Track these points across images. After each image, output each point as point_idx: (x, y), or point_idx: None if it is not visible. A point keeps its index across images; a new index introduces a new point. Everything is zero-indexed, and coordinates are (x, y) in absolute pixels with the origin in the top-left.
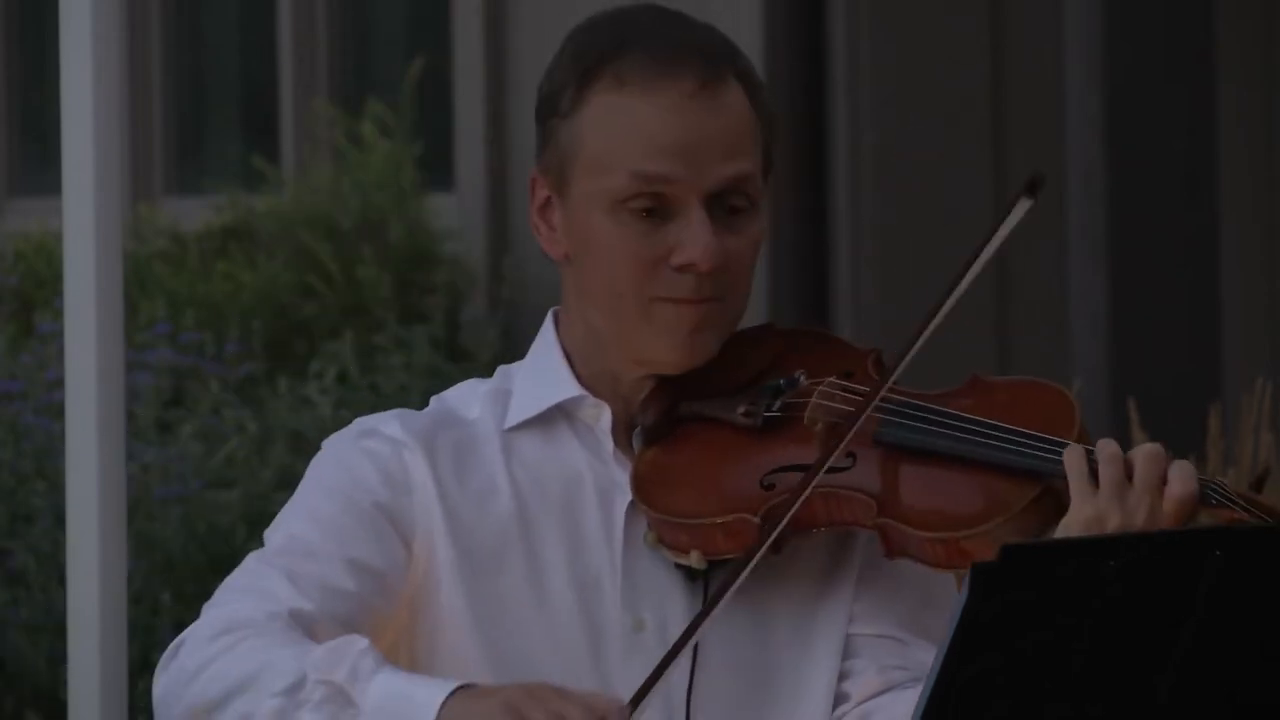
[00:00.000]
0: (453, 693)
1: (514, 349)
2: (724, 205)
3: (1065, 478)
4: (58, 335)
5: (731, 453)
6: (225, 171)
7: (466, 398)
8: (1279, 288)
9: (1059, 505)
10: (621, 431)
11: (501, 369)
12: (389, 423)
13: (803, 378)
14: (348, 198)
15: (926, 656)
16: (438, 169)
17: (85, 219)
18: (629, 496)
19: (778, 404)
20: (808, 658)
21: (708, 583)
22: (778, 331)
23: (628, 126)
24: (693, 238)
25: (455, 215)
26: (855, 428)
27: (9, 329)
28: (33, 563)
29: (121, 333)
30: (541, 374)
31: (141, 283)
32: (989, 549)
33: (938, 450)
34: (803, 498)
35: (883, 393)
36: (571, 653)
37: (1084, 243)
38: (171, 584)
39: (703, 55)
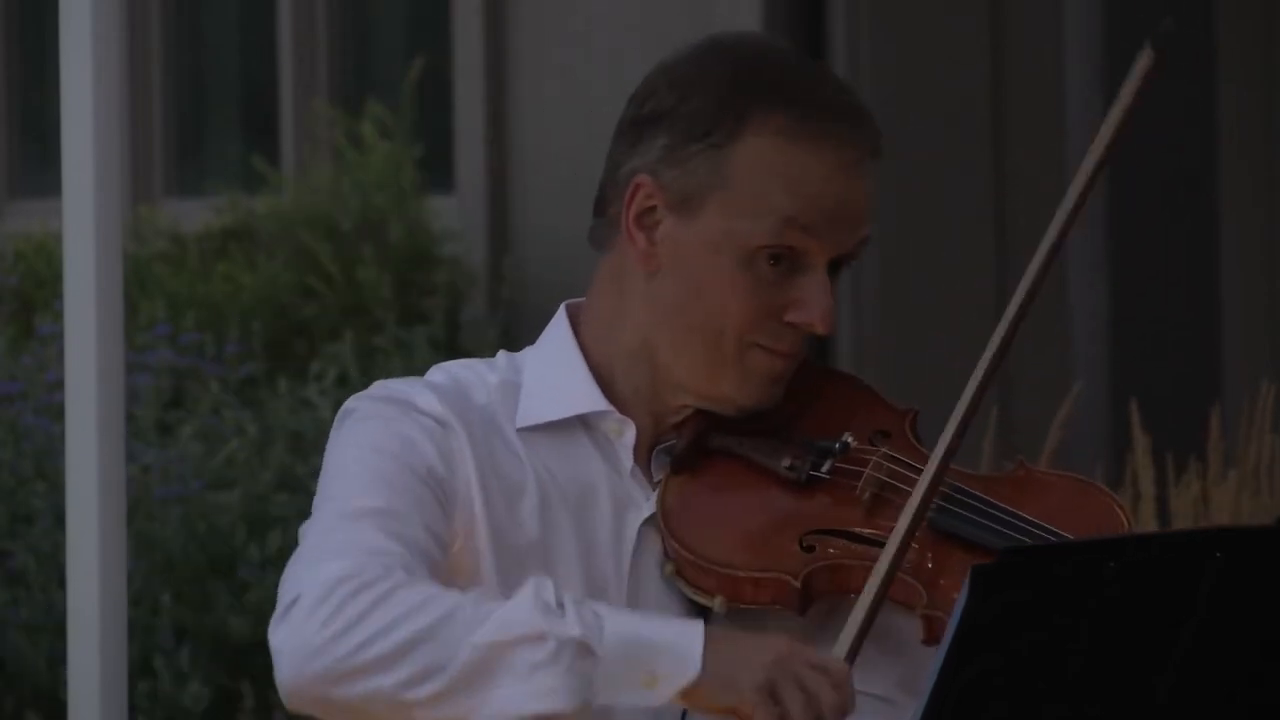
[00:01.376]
0: (705, 638)
1: (513, 349)
2: (837, 265)
3: None
4: (58, 336)
5: (768, 502)
6: (225, 172)
7: (474, 380)
8: (1279, 288)
9: None
10: (642, 449)
11: (506, 356)
12: (424, 394)
13: (853, 441)
14: (348, 198)
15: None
16: (438, 169)
17: (85, 220)
18: (642, 514)
19: (826, 465)
20: None
21: (705, 616)
22: (812, 370)
23: (789, 179)
24: (815, 300)
25: (455, 216)
26: (916, 517)
27: (9, 330)
28: (33, 563)
29: (121, 334)
30: (559, 376)
31: (141, 284)
32: None
33: (989, 546)
34: (873, 596)
35: (935, 471)
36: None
37: (1084, 243)
38: (171, 584)
39: (864, 124)
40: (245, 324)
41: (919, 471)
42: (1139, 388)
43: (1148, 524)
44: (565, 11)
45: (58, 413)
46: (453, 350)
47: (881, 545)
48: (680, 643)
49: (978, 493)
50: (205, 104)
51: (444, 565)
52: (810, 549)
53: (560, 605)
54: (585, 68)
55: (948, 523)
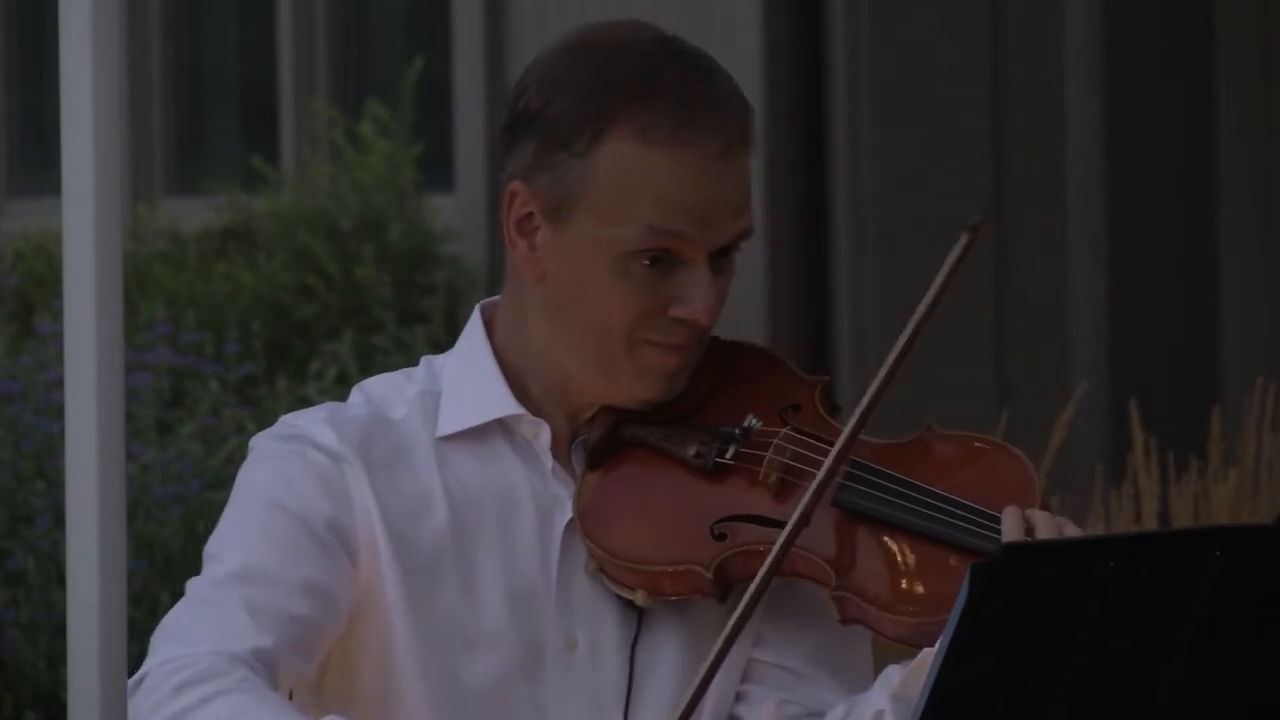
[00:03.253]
0: None
1: None
2: (723, 254)
3: None
4: (57, 336)
5: (679, 492)
6: (225, 172)
7: (392, 396)
8: (1278, 288)
9: None
10: (561, 446)
11: (427, 362)
12: (322, 429)
13: (756, 423)
14: (347, 198)
15: (823, 694)
16: (438, 169)
17: (85, 219)
18: (568, 514)
19: (731, 451)
20: (726, 674)
21: (641, 610)
22: (722, 348)
23: (647, 182)
24: (697, 295)
25: (455, 215)
26: (814, 499)
27: (9, 329)
28: (32, 563)
29: (121, 333)
30: (475, 382)
31: (141, 283)
32: None
33: (901, 524)
34: (757, 581)
35: (837, 453)
36: (507, 670)
37: (1084, 243)
38: (171, 584)
39: (725, 115)
40: (245, 323)
41: (823, 448)
42: (1139, 387)
43: (1148, 523)
44: (565, 11)
45: (57, 412)
46: None
47: (785, 525)
48: None
49: (883, 468)
50: (205, 104)
51: (323, 619)
52: (722, 537)
53: None
54: None
55: (853, 501)
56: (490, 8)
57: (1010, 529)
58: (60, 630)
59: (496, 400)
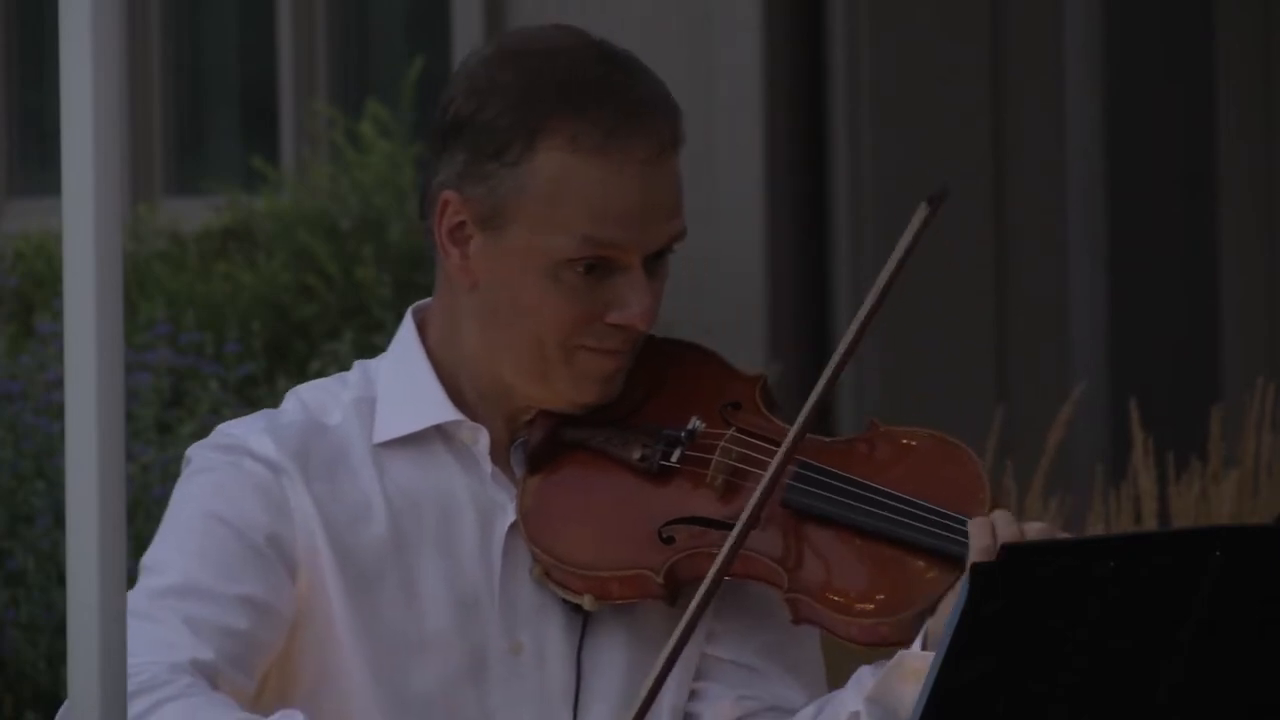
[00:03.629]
0: None
1: None
2: (657, 257)
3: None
4: (57, 336)
5: (624, 495)
6: (225, 172)
7: (327, 402)
8: (1278, 288)
9: None
10: (500, 450)
11: (361, 367)
12: (260, 439)
13: (700, 425)
14: (347, 198)
15: (780, 689)
16: None
17: (85, 219)
18: (509, 518)
19: (676, 454)
20: (675, 676)
21: (587, 613)
22: (657, 347)
23: (580, 191)
24: (633, 300)
25: None
26: (762, 500)
27: (9, 329)
28: (32, 563)
29: (121, 333)
30: (410, 388)
31: (141, 283)
32: (907, 634)
33: (852, 524)
34: (708, 583)
35: (784, 453)
36: (453, 675)
37: (1084, 243)
38: None
39: (655, 119)
40: (245, 323)
41: (769, 448)
42: (1139, 387)
43: (1148, 524)
44: (565, 11)
45: (57, 412)
46: None
47: (733, 527)
48: None
49: (831, 468)
50: (205, 104)
51: (263, 633)
52: (670, 540)
53: None
54: None
55: (803, 502)
56: (490, 8)
57: (978, 535)
58: (60, 630)
59: (433, 406)
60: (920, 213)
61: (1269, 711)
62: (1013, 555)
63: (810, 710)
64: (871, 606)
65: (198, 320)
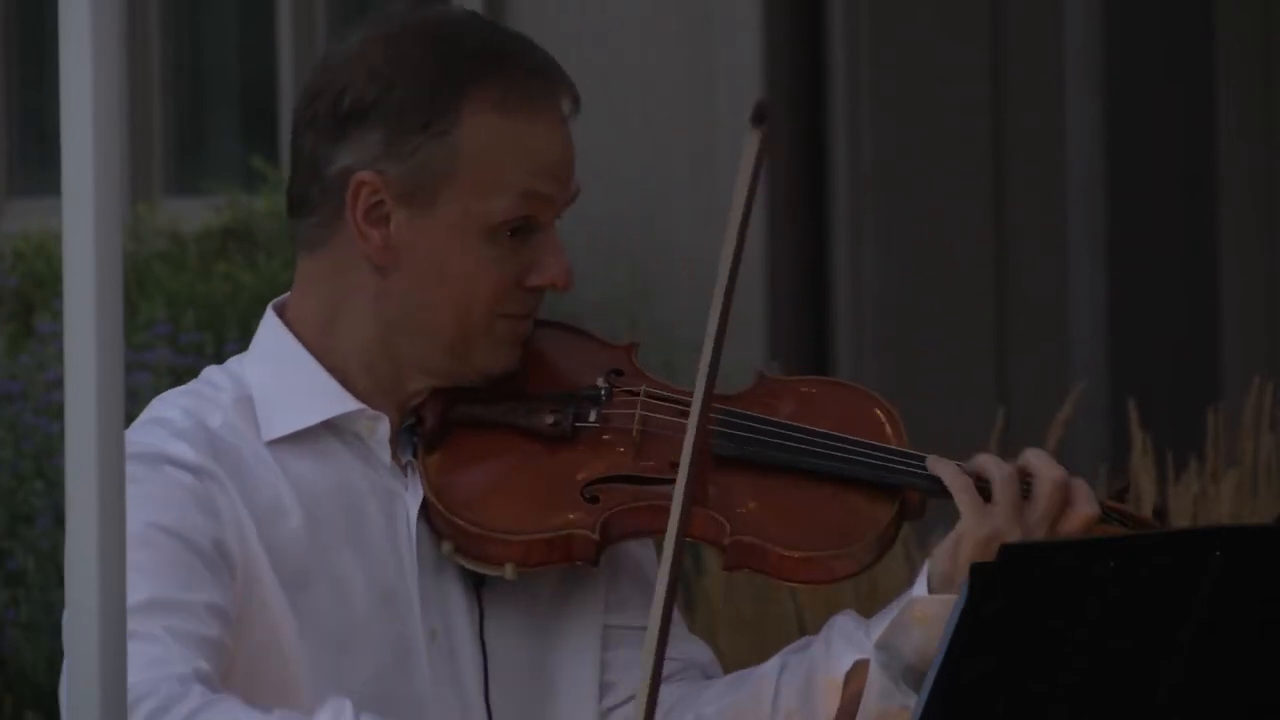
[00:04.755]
0: None
1: None
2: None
3: (921, 490)
4: (57, 335)
5: (539, 462)
6: (225, 172)
7: (200, 406)
8: (1278, 288)
9: (908, 514)
10: (392, 439)
11: (219, 371)
12: (175, 444)
13: (608, 386)
14: None
15: (691, 648)
16: None
17: (85, 219)
18: (413, 506)
19: (593, 414)
20: (569, 647)
21: (480, 591)
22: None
23: (514, 149)
24: (553, 260)
25: None
26: (698, 443)
27: (9, 329)
28: (32, 563)
29: (121, 333)
30: (293, 383)
31: (141, 283)
32: (854, 566)
33: (787, 464)
34: (674, 540)
35: (700, 403)
36: (383, 666)
37: (1084, 243)
38: None
39: (564, 79)
40: (245, 323)
41: (682, 403)
42: (1138, 387)
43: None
44: (564, 11)
45: (57, 412)
46: None
47: (662, 481)
48: None
49: (752, 412)
50: (205, 104)
51: (228, 639)
52: (595, 499)
53: None
54: (583, 67)
55: (732, 448)
56: (490, 8)
57: (954, 480)
58: (60, 630)
59: (327, 398)
60: (752, 139)
61: (1269, 711)
62: (1013, 555)
63: (773, 662)
64: (818, 540)
65: (198, 320)
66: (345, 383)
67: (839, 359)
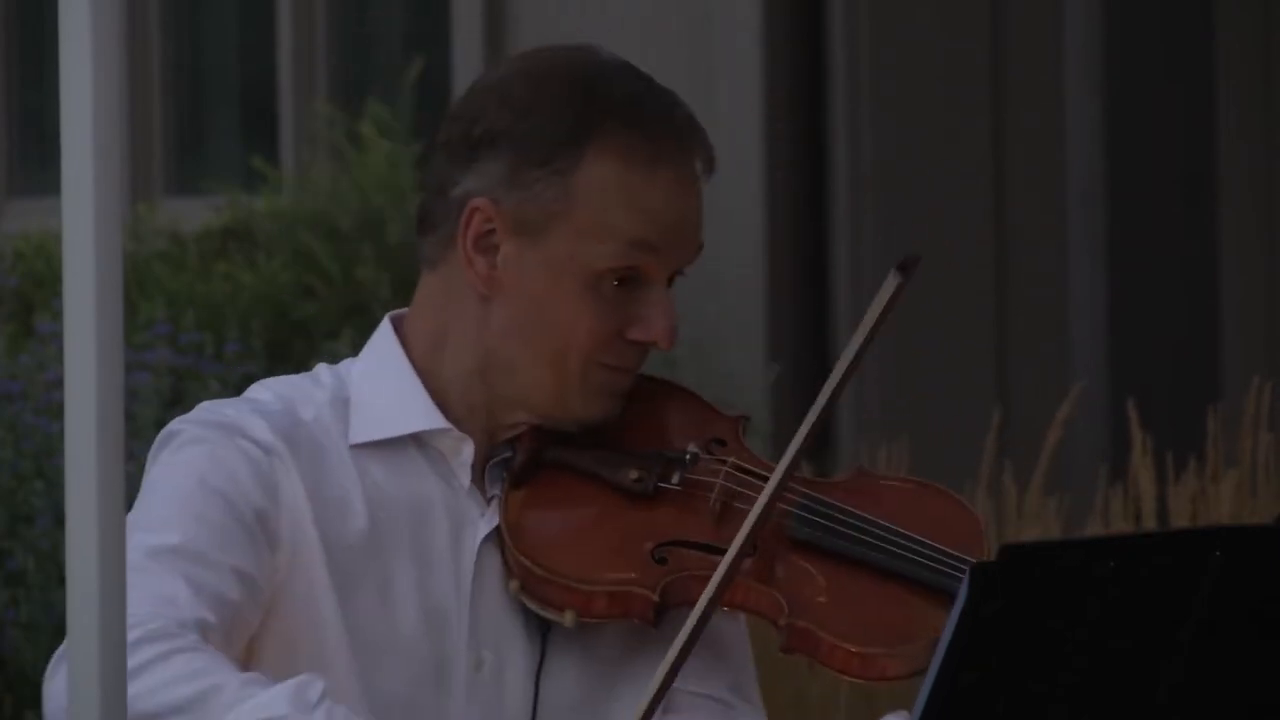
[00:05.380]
0: None
1: None
2: (671, 280)
3: None
4: (57, 335)
5: (616, 516)
6: (225, 172)
7: (299, 397)
8: (1278, 288)
9: None
10: (477, 465)
11: (329, 371)
12: (252, 420)
13: (699, 452)
14: (347, 198)
15: None
16: None
17: (85, 219)
18: (481, 532)
19: (676, 477)
20: (626, 703)
21: (546, 631)
22: (641, 381)
23: (629, 199)
24: (658, 317)
25: None
26: (759, 523)
27: (9, 329)
28: (32, 563)
29: (121, 333)
30: (391, 393)
31: (141, 283)
32: (906, 667)
33: (857, 557)
34: (702, 607)
35: (780, 478)
36: (417, 681)
37: (1084, 243)
38: None
39: (699, 139)
40: (245, 323)
41: (766, 477)
42: (1138, 387)
43: (1147, 523)
44: (564, 11)
45: (57, 412)
46: None
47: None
48: None
49: (836, 501)
50: (205, 104)
51: (249, 608)
52: (663, 561)
53: (317, 703)
54: None
55: (806, 532)
56: (490, 8)
57: None
58: (60, 630)
59: (419, 413)
60: (891, 282)
61: (1269, 711)
62: (1013, 555)
63: None
64: (875, 638)
65: (198, 320)
66: (442, 402)
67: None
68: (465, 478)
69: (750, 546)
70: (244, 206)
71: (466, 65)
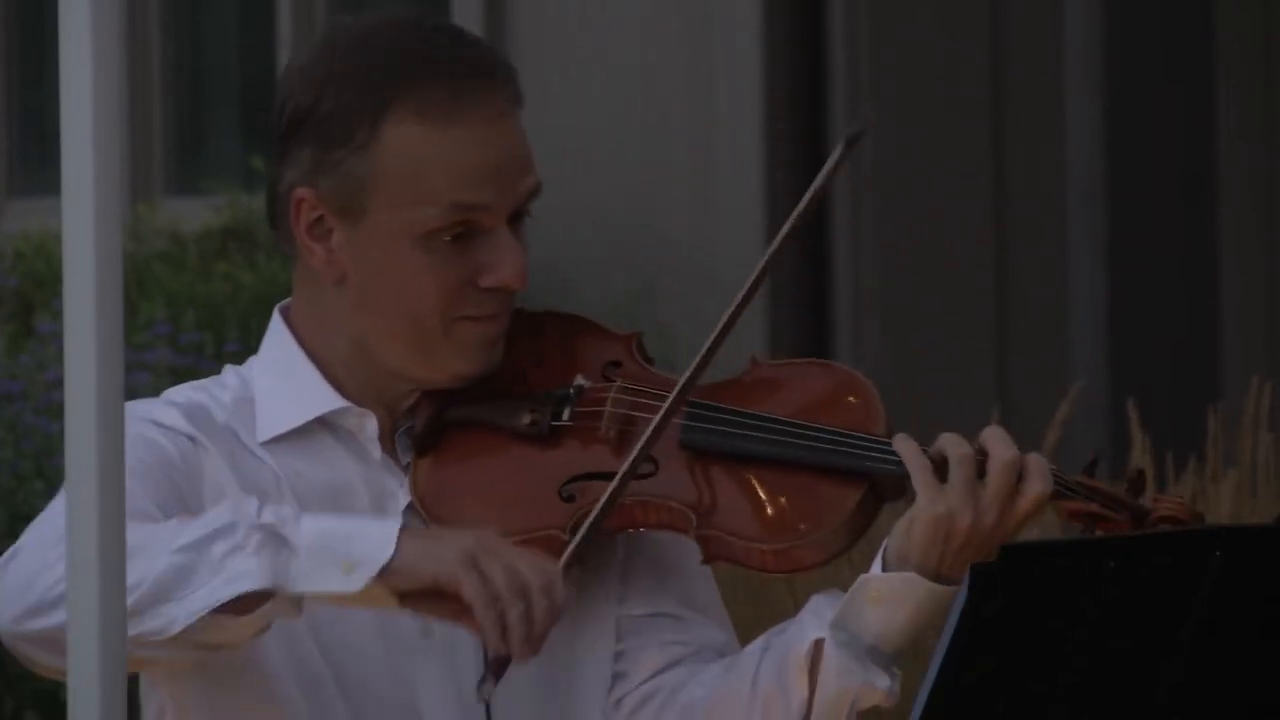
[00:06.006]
0: (401, 528)
1: None
2: (518, 217)
3: (888, 473)
4: (57, 335)
5: (519, 462)
6: (225, 172)
7: (208, 403)
8: (1278, 288)
9: (880, 499)
10: (385, 438)
11: (234, 371)
12: (168, 411)
13: (586, 382)
14: None
15: (705, 632)
16: None
17: (85, 219)
18: (401, 503)
19: (566, 412)
20: (581, 642)
21: None
22: (529, 318)
23: (436, 159)
24: (505, 260)
25: None
26: (652, 438)
27: (9, 329)
28: None
29: (121, 333)
30: (289, 383)
31: (141, 283)
32: (821, 553)
33: (753, 455)
34: (596, 511)
35: (676, 393)
36: (370, 655)
37: (1084, 243)
38: None
39: (495, 77)
40: (245, 323)
41: (657, 396)
42: (1138, 387)
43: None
44: (564, 11)
45: (57, 412)
46: None
47: (637, 477)
48: (376, 529)
49: (725, 404)
50: (205, 104)
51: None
52: (570, 498)
53: (259, 509)
54: (584, 67)
55: (702, 439)
56: (490, 8)
57: (913, 459)
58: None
59: (318, 397)
60: (837, 150)
61: (1269, 711)
62: (1013, 555)
63: (758, 643)
64: (784, 531)
65: (198, 320)
66: (337, 382)
67: (839, 359)
68: (375, 451)
69: (651, 465)
70: (244, 206)
71: None
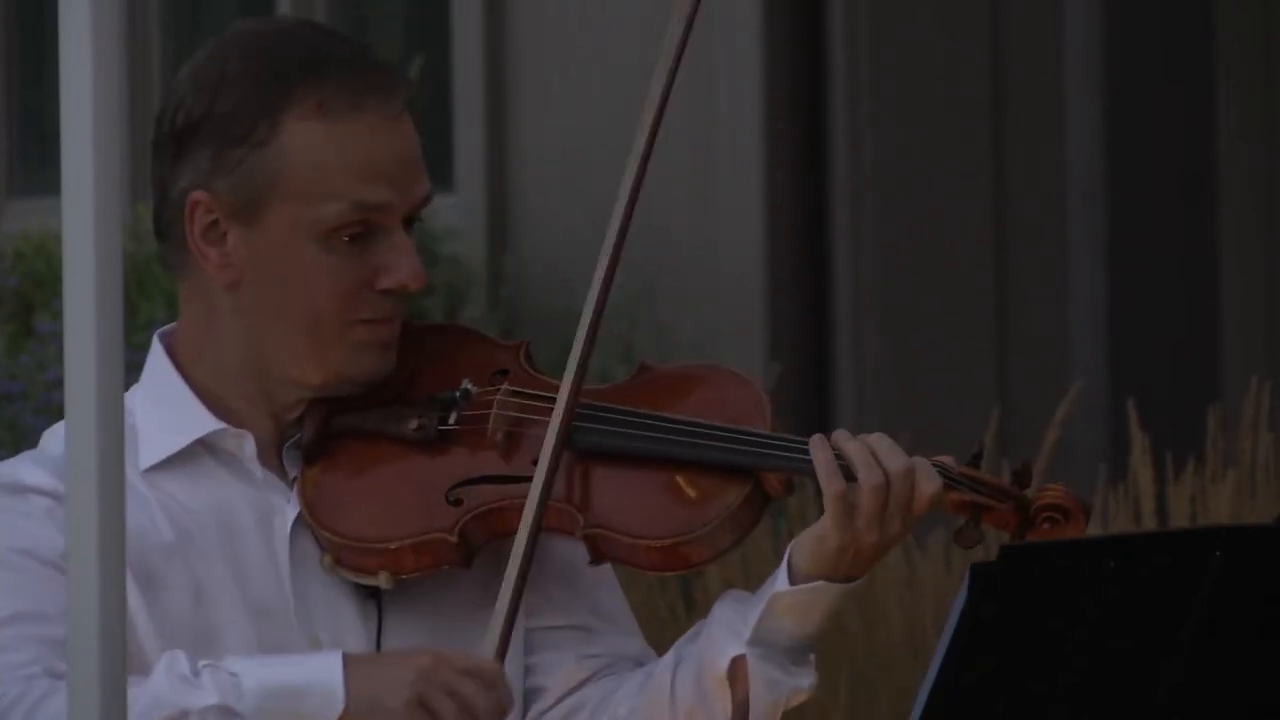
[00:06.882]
0: (344, 667)
1: None
2: (410, 222)
3: (774, 470)
4: (57, 335)
5: (406, 468)
6: None
7: None
8: (1278, 288)
9: (766, 496)
10: (270, 452)
11: None
12: (31, 471)
13: (473, 387)
14: None
15: (618, 641)
16: (438, 169)
17: (85, 219)
18: (289, 517)
19: (453, 417)
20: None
21: (378, 599)
22: (417, 330)
23: (338, 154)
24: (401, 262)
25: (455, 215)
26: (559, 443)
27: (9, 329)
28: None
29: (121, 333)
30: (167, 409)
31: (141, 283)
32: (708, 550)
33: (638, 453)
34: (527, 535)
35: (565, 398)
36: None
37: (1084, 243)
38: None
39: (392, 77)
40: None
41: (545, 400)
42: (1138, 387)
43: (1147, 523)
44: (564, 10)
45: (57, 412)
46: None
47: (524, 480)
48: (321, 679)
49: (613, 405)
50: None
51: None
52: (457, 502)
53: (196, 674)
54: (584, 67)
55: (589, 440)
56: (490, 8)
57: (819, 454)
58: None
59: (193, 421)
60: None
61: (1269, 711)
62: (1012, 556)
63: (669, 656)
64: (670, 527)
65: None
66: (216, 402)
67: (839, 359)
68: (257, 470)
69: (535, 466)
70: None
71: (466, 65)
